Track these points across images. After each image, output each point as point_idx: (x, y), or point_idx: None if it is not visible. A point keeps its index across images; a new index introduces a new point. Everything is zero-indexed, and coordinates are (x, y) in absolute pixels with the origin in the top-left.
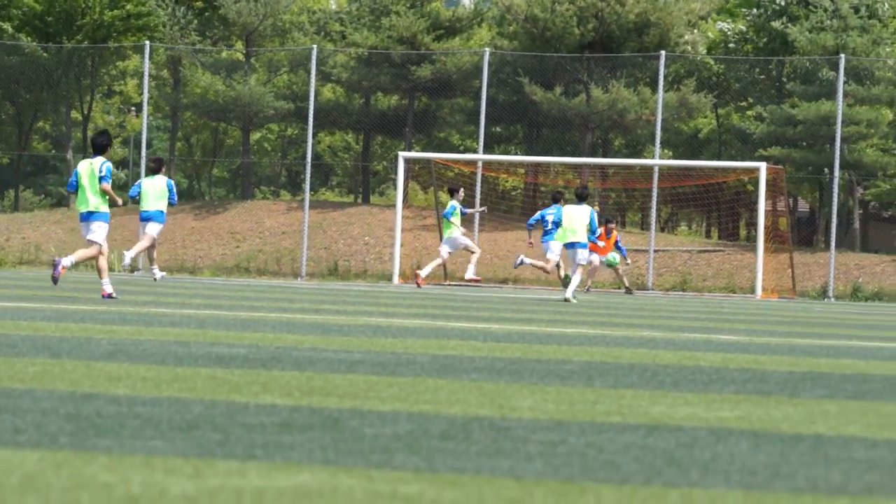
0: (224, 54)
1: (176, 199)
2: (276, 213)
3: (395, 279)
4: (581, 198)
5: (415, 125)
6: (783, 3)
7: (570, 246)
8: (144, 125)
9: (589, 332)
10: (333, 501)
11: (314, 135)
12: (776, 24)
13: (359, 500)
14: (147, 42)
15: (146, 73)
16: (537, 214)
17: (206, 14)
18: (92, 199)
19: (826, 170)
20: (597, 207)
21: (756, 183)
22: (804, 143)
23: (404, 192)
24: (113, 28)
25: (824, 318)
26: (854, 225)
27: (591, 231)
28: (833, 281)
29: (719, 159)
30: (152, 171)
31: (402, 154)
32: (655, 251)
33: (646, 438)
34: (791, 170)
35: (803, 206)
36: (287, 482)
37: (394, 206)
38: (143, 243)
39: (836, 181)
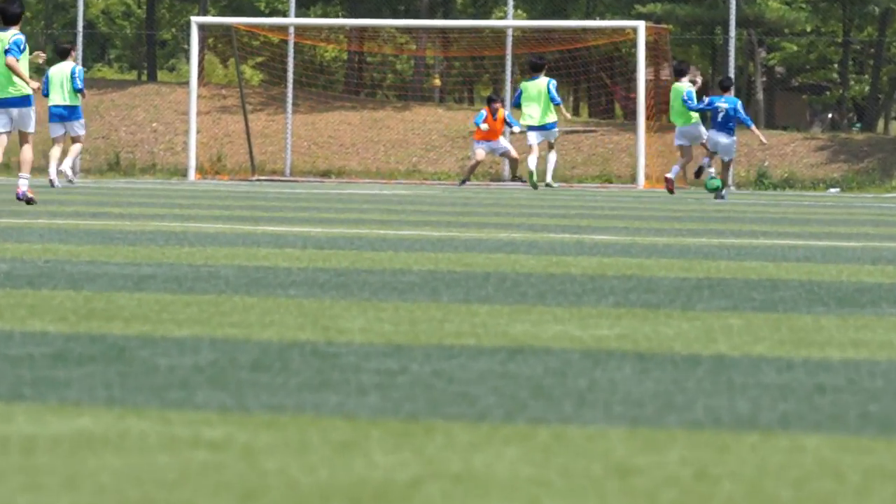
0: None
1: (81, 85)
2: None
3: (192, 174)
4: (537, 69)
5: None
6: None
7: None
8: None
9: (433, 234)
10: (122, 449)
11: None
12: None
13: (153, 448)
14: None
15: None
16: (706, 101)
17: None
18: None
19: (719, 29)
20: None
21: (634, 47)
22: None
23: (200, 66)
24: None
25: (723, 212)
26: (757, 96)
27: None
28: (733, 165)
29: (588, 18)
30: (60, 57)
31: (195, 20)
32: (512, 133)
33: (506, 364)
34: (676, 29)
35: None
36: (63, 427)
37: (187, 83)
38: (75, 148)
39: (731, 42)
